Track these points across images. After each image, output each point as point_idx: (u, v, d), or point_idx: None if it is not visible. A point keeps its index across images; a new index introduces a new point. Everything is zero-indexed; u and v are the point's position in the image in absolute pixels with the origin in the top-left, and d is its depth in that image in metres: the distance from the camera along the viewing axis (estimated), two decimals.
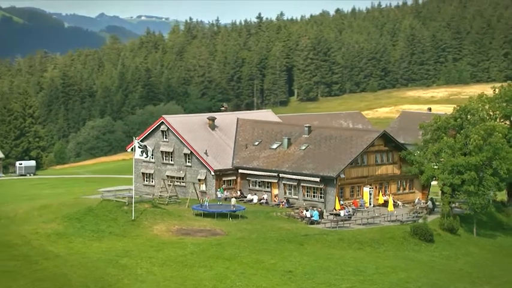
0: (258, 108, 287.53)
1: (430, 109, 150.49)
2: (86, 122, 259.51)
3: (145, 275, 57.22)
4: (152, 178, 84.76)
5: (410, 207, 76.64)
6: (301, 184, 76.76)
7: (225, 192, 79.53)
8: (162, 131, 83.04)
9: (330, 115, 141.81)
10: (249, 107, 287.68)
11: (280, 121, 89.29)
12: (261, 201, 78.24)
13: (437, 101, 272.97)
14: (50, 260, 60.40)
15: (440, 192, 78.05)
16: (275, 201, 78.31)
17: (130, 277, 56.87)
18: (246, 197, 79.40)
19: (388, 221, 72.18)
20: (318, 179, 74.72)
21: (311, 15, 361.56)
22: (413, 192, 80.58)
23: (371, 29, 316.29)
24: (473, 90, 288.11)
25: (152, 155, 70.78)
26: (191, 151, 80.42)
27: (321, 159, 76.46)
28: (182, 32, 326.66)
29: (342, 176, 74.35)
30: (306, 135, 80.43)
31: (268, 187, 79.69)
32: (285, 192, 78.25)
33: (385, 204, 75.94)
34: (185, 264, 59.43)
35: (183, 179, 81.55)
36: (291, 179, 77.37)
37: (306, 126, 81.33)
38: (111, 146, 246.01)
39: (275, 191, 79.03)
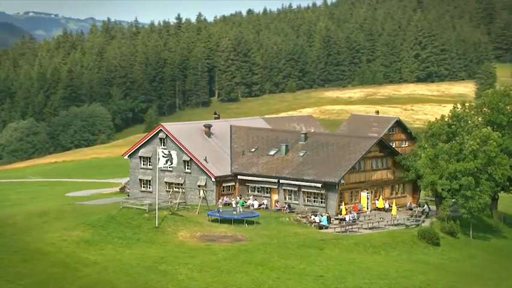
0: (180, 109, 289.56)
1: (377, 112, 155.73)
2: (6, 123, 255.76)
3: (187, 281, 58.82)
4: (150, 185, 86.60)
5: (411, 212, 79.97)
6: (302, 189, 79.42)
7: (225, 197, 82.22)
8: (160, 138, 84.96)
9: (283, 118, 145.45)
10: (172, 107, 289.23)
11: (270, 127, 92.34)
12: (261, 206, 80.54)
13: (354, 101, 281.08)
14: (90, 267, 61.62)
15: (431, 196, 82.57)
16: (276, 206, 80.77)
17: (173, 283, 58.37)
18: (245, 203, 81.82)
19: (392, 225, 75.31)
20: (319, 185, 77.51)
21: (224, 16, 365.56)
22: (405, 196, 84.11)
23: (288, 30, 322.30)
24: (387, 90, 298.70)
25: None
26: (191, 158, 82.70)
27: (320, 165, 79.31)
28: (101, 32, 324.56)
29: (342, 181, 77.29)
30: (302, 142, 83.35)
31: (267, 192, 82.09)
32: (285, 198, 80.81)
33: (381, 208, 79.81)
34: (221, 270, 61.16)
35: (182, 185, 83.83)
36: (292, 184, 79.91)
37: (302, 133, 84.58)
38: (35, 148, 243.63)
39: (275, 197, 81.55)
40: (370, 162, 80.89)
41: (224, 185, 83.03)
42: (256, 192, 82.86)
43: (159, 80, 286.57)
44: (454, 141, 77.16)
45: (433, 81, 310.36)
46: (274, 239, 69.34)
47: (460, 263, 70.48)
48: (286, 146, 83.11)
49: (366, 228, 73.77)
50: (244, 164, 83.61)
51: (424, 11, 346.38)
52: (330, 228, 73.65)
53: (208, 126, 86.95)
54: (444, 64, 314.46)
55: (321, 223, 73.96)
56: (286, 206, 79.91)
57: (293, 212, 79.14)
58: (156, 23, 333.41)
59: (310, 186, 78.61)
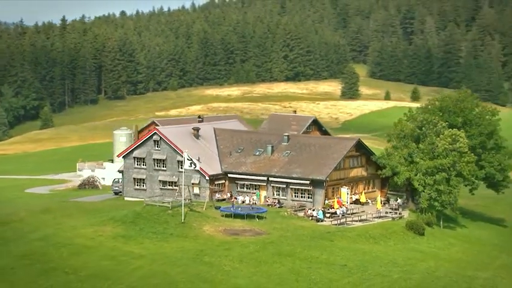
0: (69, 107, 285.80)
1: (295, 111, 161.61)
2: None
3: (234, 271, 60.74)
4: (144, 183, 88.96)
5: (389, 205, 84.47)
6: (290, 186, 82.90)
7: (217, 194, 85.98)
8: (154, 140, 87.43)
9: (216, 117, 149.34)
10: (62, 105, 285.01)
11: (246, 129, 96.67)
12: (254, 201, 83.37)
13: (234, 98, 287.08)
14: (139, 260, 62.79)
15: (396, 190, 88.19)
16: (267, 202, 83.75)
17: (222, 273, 60.35)
18: (236, 199, 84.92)
19: (378, 218, 79.17)
20: (307, 182, 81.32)
21: (94, 17, 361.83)
22: (375, 191, 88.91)
23: (167, 32, 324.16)
24: (261, 88, 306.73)
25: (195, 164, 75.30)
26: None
27: (306, 164, 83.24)
28: None
29: (327, 178, 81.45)
30: (285, 143, 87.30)
31: (256, 189, 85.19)
32: (274, 194, 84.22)
33: (357, 202, 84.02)
34: (258, 261, 63.36)
35: (175, 183, 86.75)
36: (280, 181, 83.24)
37: (285, 135, 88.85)
38: None
39: (263, 193, 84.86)
40: (349, 161, 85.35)
41: (216, 182, 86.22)
42: (245, 189, 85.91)
43: (50, 79, 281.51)
44: (425, 142, 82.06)
45: (300, 80, 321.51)
46: (287, 232, 72.02)
47: (446, 250, 74.42)
48: (272, 146, 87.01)
49: (357, 221, 77.41)
50: (232, 163, 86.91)
51: (288, 16, 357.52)
52: (327, 221, 76.96)
53: (197, 129, 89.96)
54: (309, 64, 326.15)
55: (317, 217, 77.59)
56: (277, 201, 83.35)
57: (282, 206, 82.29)
58: (40, 24, 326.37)
59: (298, 183, 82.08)
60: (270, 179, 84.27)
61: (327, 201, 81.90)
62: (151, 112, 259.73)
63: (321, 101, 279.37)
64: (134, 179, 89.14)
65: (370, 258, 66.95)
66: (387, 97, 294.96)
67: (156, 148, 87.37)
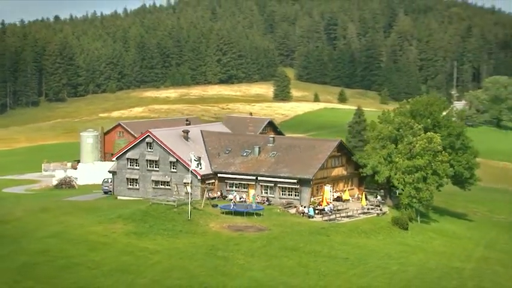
0: (11, 108, 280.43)
1: (251, 114, 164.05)
2: None
3: (248, 265, 62.03)
4: (137, 183, 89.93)
5: (371, 202, 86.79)
6: (278, 185, 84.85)
7: (208, 193, 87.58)
8: (147, 142, 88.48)
9: (176, 120, 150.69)
10: (3, 107, 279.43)
11: (229, 131, 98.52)
12: (241, 199, 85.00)
13: (172, 100, 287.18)
14: (156, 255, 63.55)
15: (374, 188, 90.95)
16: (256, 199, 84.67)
17: (237, 266, 61.58)
18: (226, 197, 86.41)
19: (362, 214, 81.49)
20: (295, 181, 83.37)
21: (28, 21, 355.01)
22: (353, 188, 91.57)
23: (105, 37, 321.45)
24: (197, 91, 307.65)
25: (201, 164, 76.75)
26: (177, 159, 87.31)
27: (292, 164, 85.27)
28: None
29: (313, 177, 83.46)
30: (271, 144, 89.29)
31: (245, 188, 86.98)
32: (262, 192, 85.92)
33: (338, 199, 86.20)
34: (268, 255, 64.79)
35: (168, 183, 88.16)
36: (269, 180, 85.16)
37: (270, 137, 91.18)
38: None
39: (251, 191, 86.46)
40: (331, 161, 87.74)
41: (207, 182, 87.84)
42: (234, 188, 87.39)
43: None
44: (403, 143, 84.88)
45: (233, 83, 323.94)
46: (286, 228, 73.61)
47: (429, 244, 76.75)
48: (259, 147, 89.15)
49: (344, 217, 79.64)
50: (222, 163, 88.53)
51: (219, 21, 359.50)
52: (318, 217, 79.01)
53: (186, 132, 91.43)
54: (241, 68, 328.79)
55: (308, 213, 79.68)
56: (266, 199, 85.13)
57: (271, 204, 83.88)
58: None
59: (286, 182, 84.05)
60: (259, 178, 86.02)
61: (312, 199, 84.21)
62: (94, 114, 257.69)
63: (255, 102, 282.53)
64: (127, 179, 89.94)
65: (367, 251, 69.07)
66: (316, 99, 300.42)
67: (149, 150, 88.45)
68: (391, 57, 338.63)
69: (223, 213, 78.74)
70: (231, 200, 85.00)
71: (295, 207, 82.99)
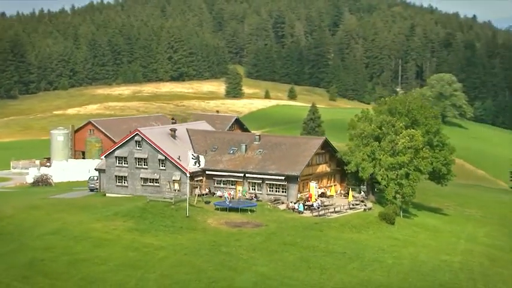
0: None
1: (218, 111, 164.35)
2: None
3: (252, 260, 63.47)
4: (126, 180, 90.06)
5: (356, 197, 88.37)
6: (266, 182, 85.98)
7: (197, 189, 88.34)
8: (136, 141, 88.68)
9: (144, 118, 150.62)
10: None
11: (213, 129, 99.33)
12: (232, 196, 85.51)
13: (125, 98, 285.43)
14: (161, 250, 64.72)
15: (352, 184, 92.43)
16: (245, 196, 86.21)
17: (242, 261, 63.02)
18: (215, 194, 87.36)
19: (349, 209, 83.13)
20: (282, 177, 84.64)
21: None
22: (336, 184, 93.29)
23: (56, 34, 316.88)
24: (150, 88, 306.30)
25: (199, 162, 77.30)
26: (166, 157, 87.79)
27: (279, 161, 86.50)
28: None
29: (300, 174, 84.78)
30: (257, 142, 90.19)
31: (232, 185, 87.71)
32: (249, 189, 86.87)
33: (322, 195, 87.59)
34: (269, 250, 66.34)
35: (157, 180, 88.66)
36: (256, 177, 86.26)
37: (256, 135, 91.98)
38: None
39: (239, 188, 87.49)
40: (316, 158, 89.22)
41: (195, 179, 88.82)
42: (221, 185, 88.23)
43: None
44: (386, 140, 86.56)
45: (184, 80, 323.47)
46: (281, 223, 75.04)
47: (415, 237, 78.44)
48: (246, 145, 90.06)
49: (333, 212, 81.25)
50: (209, 161, 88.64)
51: (169, 19, 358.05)
52: (307, 213, 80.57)
53: (174, 130, 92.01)
54: (192, 65, 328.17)
55: (298, 209, 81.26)
56: (254, 195, 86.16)
57: (260, 200, 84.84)
58: None
59: (274, 178, 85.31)
60: (247, 175, 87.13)
61: (299, 195, 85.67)
62: (48, 111, 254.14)
63: (208, 99, 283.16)
64: (116, 176, 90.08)
65: (362, 246, 70.87)
66: (267, 96, 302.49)
67: (138, 148, 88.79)
68: (338, 55, 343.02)
69: (217, 209, 79.76)
70: (220, 196, 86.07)
71: (283, 203, 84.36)
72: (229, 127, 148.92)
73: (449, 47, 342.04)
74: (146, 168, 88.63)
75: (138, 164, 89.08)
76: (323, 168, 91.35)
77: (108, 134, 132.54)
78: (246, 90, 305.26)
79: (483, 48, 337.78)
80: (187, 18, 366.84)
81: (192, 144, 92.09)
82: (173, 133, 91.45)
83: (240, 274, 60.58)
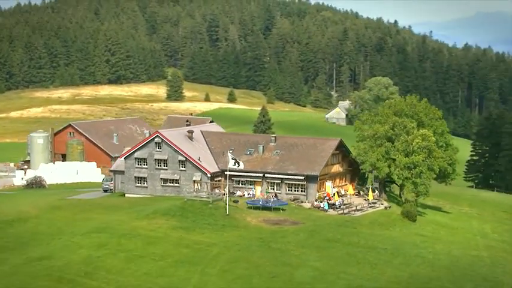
0: None
1: (191, 114, 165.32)
2: None
3: (304, 256, 64.89)
4: (145, 181, 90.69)
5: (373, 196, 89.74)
6: (285, 181, 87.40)
7: (216, 190, 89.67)
8: (156, 142, 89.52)
9: (121, 121, 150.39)
10: None
11: (224, 131, 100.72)
12: (249, 195, 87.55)
13: (66, 101, 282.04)
14: (213, 247, 65.53)
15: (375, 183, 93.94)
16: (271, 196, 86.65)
17: (294, 257, 64.19)
18: (234, 193, 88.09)
19: (370, 207, 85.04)
20: (302, 177, 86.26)
21: None
22: (346, 184, 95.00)
23: None
24: (88, 91, 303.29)
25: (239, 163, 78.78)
26: (186, 158, 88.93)
27: (298, 161, 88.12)
28: None
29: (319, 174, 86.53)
30: (273, 143, 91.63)
31: (251, 185, 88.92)
32: (268, 188, 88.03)
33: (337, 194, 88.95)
34: (315, 246, 67.63)
35: (177, 181, 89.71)
36: (276, 177, 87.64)
37: (272, 136, 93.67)
38: None
39: (258, 188, 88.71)
40: (331, 158, 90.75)
41: (215, 179, 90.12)
42: (240, 185, 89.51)
43: None
44: (399, 141, 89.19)
45: (121, 83, 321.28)
46: (315, 221, 76.61)
47: (438, 234, 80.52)
48: (263, 146, 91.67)
49: (355, 210, 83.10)
50: (227, 162, 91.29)
51: (104, 22, 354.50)
52: (332, 211, 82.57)
53: (191, 132, 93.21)
54: (130, 68, 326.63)
55: (324, 208, 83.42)
56: (274, 195, 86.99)
57: (279, 200, 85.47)
58: None
59: (293, 178, 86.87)
60: (266, 175, 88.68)
61: (318, 194, 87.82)
62: None
63: (149, 102, 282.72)
64: (135, 177, 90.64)
65: (398, 242, 73.02)
66: (207, 99, 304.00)
67: (158, 149, 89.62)
68: (274, 59, 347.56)
69: (250, 208, 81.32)
70: (240, 196, 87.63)
71: (302, 202, 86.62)
72: None
73: (381, 51, 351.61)
74: (166, 169, 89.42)
75: (158, 165, 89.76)
76: (337, 168, 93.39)
77: (89, 137, 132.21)
78: (185, 93, 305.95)
79: (414, 53, 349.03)
80: (121, 21, 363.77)
81: (208, 146, 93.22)
82: (190, 135, 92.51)
83: (296, 269, 61.98)
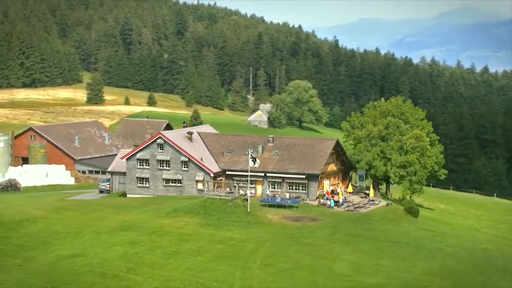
0: None
1: (147, 117, 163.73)
2: None
3: (336, 250, 65.97)
4: (147, 182, 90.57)
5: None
6: (286, 180, 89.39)
7: (217, 189, 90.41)
8: (158, 143, 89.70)
9: (80, 123, 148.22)
10: None
11: (217, 132, 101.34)
12: (251, 194, 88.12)
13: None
14: (247, 242, 66.44)
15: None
16: (268, 194, 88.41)
17: (328, 252, 65.23)
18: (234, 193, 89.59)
19: (372, 204, 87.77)
20: (303, 176, 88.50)
21: None
22: (339, 182, 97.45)
23: None
24: (3, 95, 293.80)
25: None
26: (189, 158, 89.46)
27: (298, 161, 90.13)
28: None
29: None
30: (271, 144, 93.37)
31: (252, 184, 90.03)
32: (269, 187, 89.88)
33: (333, 192, 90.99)
34: (344, 241, 69.28)
35: (180, 181, 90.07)
36: (277, 176, 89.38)
37: (270, 137, 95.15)
38: None
39: (259, 187, 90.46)
40: (327, 158, 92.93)
41: (217, 179, 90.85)
42: (241, 184, 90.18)
43: None
44: (393, 140, 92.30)
45: (36, 87, 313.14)
46: (331, 217, 78.60)
47: (440, 228, 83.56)
48: (262, 147, 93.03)
49: (359, 207, 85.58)
50: (228, 162, 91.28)
51: (16, 25, 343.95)
52: (337, 207, 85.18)
53: (191, 133, 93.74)
54: (45, 72, 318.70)
55: (330, 205, 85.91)
56: (275, 194, 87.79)
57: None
58: None
59: (294, 177, 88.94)
60: (267, 174, 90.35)
61: (318, 192, 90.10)
62: None
63: (72, 106, 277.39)
64: (137, 178, 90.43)
65: (414, 236, 75.38)
66: (127, 102, 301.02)
67: (160, 150, 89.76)
68: (191, 62, 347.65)
69: (264, 205, 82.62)
70: (243, 195, 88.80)
71: (303, 200, 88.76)
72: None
73: (296, 55, 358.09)
74: (168, 170, 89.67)
75: (160, 166, 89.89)
76: (332, 167, 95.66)
77: (51, 140, 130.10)
78: (105, 96, 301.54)
79: (328, 57, 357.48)
80: (32, 23, 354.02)
81: (207, 147, 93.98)
82: (190, 136, 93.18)
83: (333, 262, 63.18)
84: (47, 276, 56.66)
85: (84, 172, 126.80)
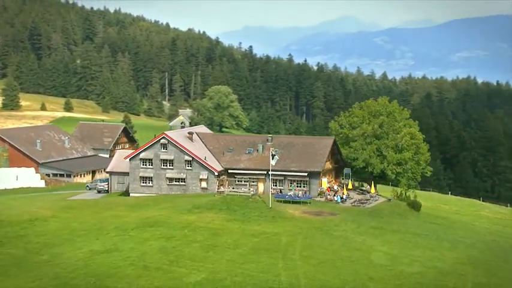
0: None
1: (103, 120, 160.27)
2: None
3: (367, 242, 67.43)
4: (151, 181, 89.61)
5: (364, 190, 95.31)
6: (288, 178, 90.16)
7: (221, 187, 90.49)
8: (161, 143, 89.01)
9: (38, 127, 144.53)
10: None
11: (212, 132, 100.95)
12: (253, 191, 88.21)
13: None
14: (281, 236, 67.08)
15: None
16: (271, 191, 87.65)
17: (360, 244, 66.64)
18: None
19: (374, 200, 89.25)
20: (305, 174, 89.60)
21: None
22: (332, 180, 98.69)
23: None
24: None
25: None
26: (193, 157, 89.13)
27: (299, 159, 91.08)
28: None
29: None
30: (270, 143, 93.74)
31: (254, 182, 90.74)
32: (271, 185, 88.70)
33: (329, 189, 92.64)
34: (370, 233, 70.67)
35: (183, 180, 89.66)
36: (279, 174, 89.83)
37: (269, 136, 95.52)
38: None
39: (261, 185, 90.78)
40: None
41: (220, 177, 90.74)
42: (242, 182, 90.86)
43: None
44: (388, 138, 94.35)
45: None
46: (348, 212, 79.93)
47: (442, 222, 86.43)
48: (263, 146, 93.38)
49: (363, 203, 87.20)
50: (229, 161, 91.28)
51: None
52: (343, 203, 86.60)
53: (191, 133, 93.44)
54: None
55: (336, 200, 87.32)
56: (279, 191, 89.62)
57: None
58: None
59: (296, 175, 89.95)
60: (270, 172, 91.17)
61: (319, 189, 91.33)
62: None
63: None
64: (141, 177, 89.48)
65: (430, 229, 77.74)
66: (43, 108, 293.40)
67: (163, 150, 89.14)
68: (106, 68, 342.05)
69: (279, 201, 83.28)
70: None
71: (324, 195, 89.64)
72: (118, 135, 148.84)
73: (211, 61, 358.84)
74: (172, 169, 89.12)
75: (164, 165, 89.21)
76: (328, 165, 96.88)
77: (13, 143, 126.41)
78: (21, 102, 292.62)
79: (244, 62, 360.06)
80: None
81: (206, 146, 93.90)
82: (191, 136, 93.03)
83: (368, 253, 64.33)
84: (86, 270, 56.18)
85: (48, 175, 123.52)
